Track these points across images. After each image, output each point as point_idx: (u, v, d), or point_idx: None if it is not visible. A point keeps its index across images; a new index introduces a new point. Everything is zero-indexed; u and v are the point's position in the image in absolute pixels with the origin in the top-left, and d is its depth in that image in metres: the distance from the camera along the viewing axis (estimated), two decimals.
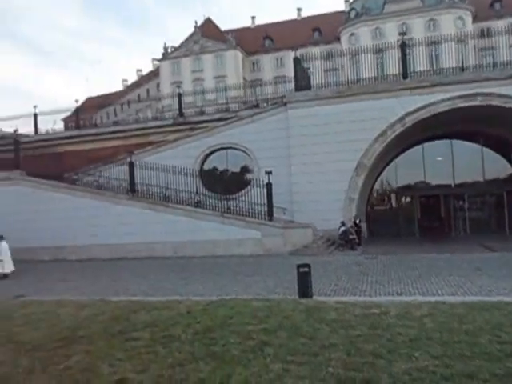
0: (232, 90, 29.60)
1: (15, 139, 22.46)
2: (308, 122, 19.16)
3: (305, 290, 8.25)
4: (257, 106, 23.84)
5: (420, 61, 19.70)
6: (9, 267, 15.41)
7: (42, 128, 26.70)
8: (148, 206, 19.50)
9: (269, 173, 17.30)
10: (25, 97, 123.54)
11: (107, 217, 19.38)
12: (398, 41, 20.17)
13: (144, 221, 19.09)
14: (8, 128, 25.74)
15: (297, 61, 20.68)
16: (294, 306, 7.01)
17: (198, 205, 19.36)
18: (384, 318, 6.08)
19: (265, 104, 23.75)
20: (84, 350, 5.57)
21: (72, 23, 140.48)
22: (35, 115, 26.13)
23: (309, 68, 21.20)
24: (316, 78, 20.59)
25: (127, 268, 16.06)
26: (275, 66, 58.74)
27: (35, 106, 26.23)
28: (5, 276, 15.13)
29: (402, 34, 21.92)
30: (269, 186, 17.52)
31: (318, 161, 18.86)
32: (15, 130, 23.54)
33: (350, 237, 17.84)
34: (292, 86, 21.17)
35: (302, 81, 20.45)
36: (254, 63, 61.66)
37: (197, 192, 19.79)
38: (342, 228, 17.97)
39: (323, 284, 10.20)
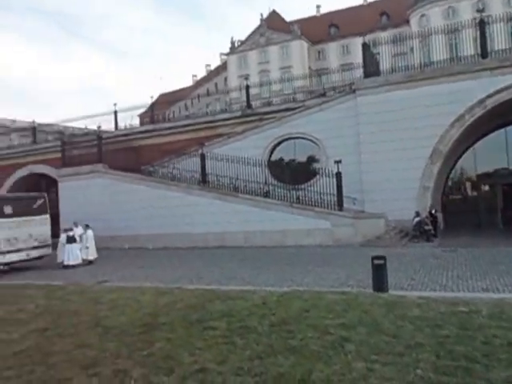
0: (298, 80, 29.08)
1: (98, 135, 23.79)
2: (378, 109, 18.28)
3: (380, 283, 7.84)
4: (324, 94, 23.21)
5: (500, 39, 17.96)
6: (93, 254, 16.40)
7: (121, 124, 28.11)
8: (218, 197, 19.78)
9: (338, 162, 16.77)
10: (106, 96, 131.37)
11: (181, 207, 19.95)
12: (474, 19, 18.52)
13: (215, 211, 19.41)
14: (92, 125, 27.41)
15: (365, 46, 19.75)
16: (372, 300, 6.66)
17: (266, 195, 19.32)
18: (475, 317, 5.57)
19: (332, 92, 23.06)
20: (165, 338, 5.68)
21: (146, 25, 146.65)
22: (115, 112, 27.52)
23: (378, 53, 20.20)
24: (385, 64, 19.57)
25: (199, 257, 16.42)
26: (341, 54, 57.10)
27: (115, 104, 27.64)
28: (90, 262, 16.13)
29: (480, 10, 20.14)
30: (338, 175, 17.00)
31: (389, 148, 17.96)
32: (98, 127, 24.93)
33: (426, 228, 16.82)
34: (359, 72, 20.31)
35: (371, 67, 19.52)
36: (319, 52, 60.40)
37: (265, 182, 19.73)
38: (417, 218, 16.99)
39: (399, 277, 9.67)
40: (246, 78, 34.74)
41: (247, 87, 25.70)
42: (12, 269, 15.19)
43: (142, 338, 5.71)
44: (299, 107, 21.42)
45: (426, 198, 17.99)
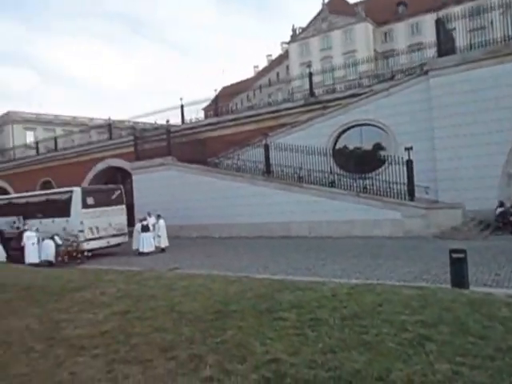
0: (363, 65, 28.05)
1: (167, 129, 24.72)
2: (454, 90, 17.05)
3: (459, 278, 7.34)
4: (392, 78, 22.19)
5: None
6: (165, 242, 17.16)
7: (187, 118, 28.95)
8: (282, 187, 19.76)
9: (409, 149, 15.96)
10: (173, 92, 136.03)
11: (246, 197, 20.20)
12: None
13: (279, 201, 19.42)
14: (160, 120, 28.54)
15: (439, 22, 18.40)
16: (453, 296, 6.26)
17: (332, 184, 18.98)
18: None
19: (400, 75, 21.95)
20: (236, 326, 5.76)
21: (208, 21, 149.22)
22: (181, 107, 28.39)
23: (454, 28, 18.82)
24: (461, 40, 18.21)
25: (264, 247, 16.55)
26: (410, 34, 54.14)
27: (181, 99, 28.55)
28: (162, 250, 16.90)
29: None
30: (409, 163, 16.20)
31: (467, 133, 16.75)
32: (167, 121, 25.90)
33: (511, 219, 15.56)
34: (431, 52, 19.11)
35: (446, 44, 18.18)
36: (385, 33, 57.78)
37: (330, 171, 19.37)
38: (500, 209, 15.75)
39: (480, 273, 9.04)
40: (309, 65, 33.98)
41: (310, 75, 25.25)
42: (94, 255, 16.32)
43: (215, 325, 5.83)
44: (365, 93, 20.69)
45: (509, 186, 16.66)
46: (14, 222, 18.08)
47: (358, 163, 19.54)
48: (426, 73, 18.08)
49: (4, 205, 20.17)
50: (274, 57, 75.18)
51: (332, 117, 20.88)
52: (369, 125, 19.98)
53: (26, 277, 10.75)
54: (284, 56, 67.16)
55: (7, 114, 55.47)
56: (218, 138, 24.65)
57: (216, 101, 29.72)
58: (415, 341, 4.64)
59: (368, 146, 20.65)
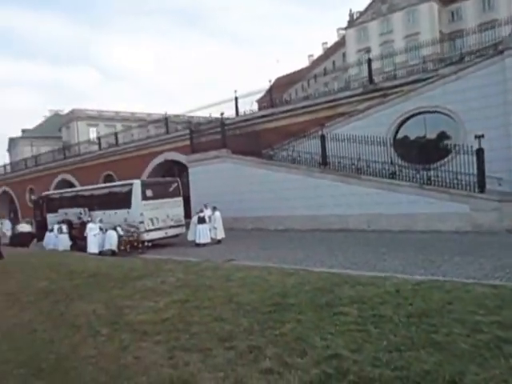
0: (427, 48, 26.59)
1: (221, 121, 25.00)
2: None
3: None
4: (460, 60, 20.83)
5: None
6: (221, 234, 17.43)
7: (242, 110, 29.08)
8: (340, 179, 19.32)
9: (479, 137, 14.87)
10: (227, 84, 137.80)
11: (301, 190, 20.00)
12: None
13: (336, 193, 19.03)
14: (215, 113, 28.90)
15: None
16: None
17: (392, 176, 18.28)
18: None
19: (469, 57, 20.55)
20: (295, 319, 5.71)
21: (262, 11, 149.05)
22: (236, 99, 28.55)
23: None
24: None
25: (321, 239, 16.32)
26: (480, 11, 50.36)
27: (235, 91, 28.70)
28: (218, 242, 17.19)
29: None
30: (480, 152, 15.10)
31: None
32: (221, 114, 26.16)
33: None
34: (506, 30, 17.70)
35: None
36: (452, 13, 54.29)
37: (391, 162, 18.66)
38: None
39: None
40: (368, 50, 32.68)
41: (369, 61, 24.30)
42: (153, 245, 16.97)
43: (273, 317, 5.82)
44: (430, 78, 19.63)
45: None
46: (80, 213, 19.15)
47: (422, 153, 18.66)
48: (501, 52, 16.70)
49: (71, 197, 21.47)
50: (329, 44, 73.57)
51: (393, 104, 20.05)
52: (434, 112, 18.95)
53: (91, 264, 11.37)
54: (340, 43, 65.51)
55: (72, 111, 58.87)
56: (272, 129, 24.56)
57: (270, 92, 29.58)
58: (492, 343, 4.34)
59: (432, 134, 19.60)
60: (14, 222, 33.54)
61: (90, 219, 18.36)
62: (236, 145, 23.38)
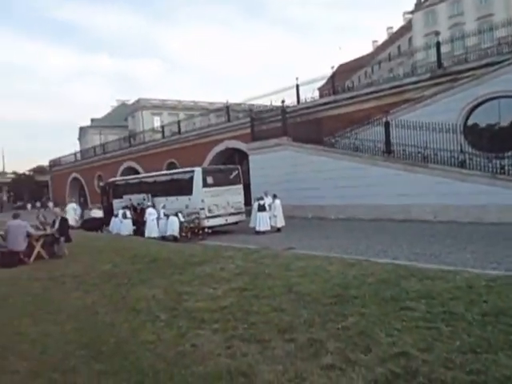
0: (502, 29, 24.45)
1: (282, 109, 24.70)
2: None
3: None
4: None
5: None
6: (280, 222, 17.25)
7: (303, 97, 28.54)
8: (404, 167, 18.41)
9: None
10: (289, 71, 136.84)
11: (364, 178, 19.30)
12: None
13: (400, 182, 18.15)
14: (276, 101, 28.57)
15: None
16: None
17: (462, 165, 17.08)
18: None
19: None
20: (358, 312, 5.37)
21: None
22: (297, 86, 28.07)
23: None
24: None
25: (383, 229, 15.67)
26: None
27: (297, 78, 28.18)
28: (278, 230, 17.02)
29: None
30: None
31: None
32: (282, 101, 25.81)
33: None
34: None
35: None
36: None
37: (461, 150, 17.43)
38: None
39: None
40: (437, 33, 30.34)
41: (438, 44, 22.81)
42: (213, 232, 17.13)
43: (334, 310, 5.52)
44: (505, 60, 18.00)
45: None
46: (144, 199, 19.77)
47: (495, 141, 17.27)
48: None
49: (135, 183, 22.27)
50: (395, 29, 70.17)
51: (463, 89, 18.64)
52: (510, 97, 17.39)
53: (153, 249, 11.57)
54: (406, 27, 62.22)
55: (138, 101, 61.12)
56: (334, 116, 23.91)
57: (333, 79, 28.75)
58: None
59: (507, 120, 18.04)
60: (84, 207, 35.47)
61: (149, 204, 18.84)
62: (297, 132, 23.05)
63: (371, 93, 24.12)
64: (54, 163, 61.64)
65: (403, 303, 5.58)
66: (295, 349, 4.36)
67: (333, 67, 29.31)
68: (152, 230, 17.54)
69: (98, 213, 22.47)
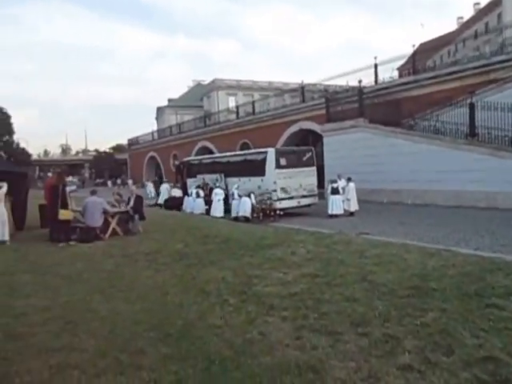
0: None
1: (359, 89, 23.54)
2: None
3: None
4: None
5: None
6: (354, 206, 16.56)
7: (381, 77, 26.93)
8: (489, 152, 16.75)
9: None
10: (366, 51, 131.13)
11: (444, 163, 17.88)
12: None
13: (485, 167, 16.55)
14: (352, 82, 27.32)
15: None
16: None
17: None
18: None
19: None
20: (438, 307, 4.89)
21: None
22: (375, 66, 26.48)
23: None
24: None
25: (464, 217, 14.41)
26: None
27: (375, 57, 26.52)
28: (351, 214, 16.37)
29: None
30: None
31: None
32: (359, 81, 24.57)
33: None
34: None
35: None
36: None
37: None
38: None
39: None
40: None
41: None
42: (285, 214, 16.87)
43: (412, 303, 5.08)
44: None
45: None
46: (217, 180, 19.93)
47: None
48: None
49: (209, 163, 22.48)
50: (482, 5, 63.70)
51: None
52: None
53: (225, 230, 11.58)
54: (495, 3, 55.99)
55: (213, 81, 61.54)
56: (413, 98, 22.34)
57: (413, 58, 26.69)
58: None
59: None
60: (159, 185, 36.63)
61: (217, 185, 18.87)
62: (373, 114, 21.94)
63: (454, 72, 22.14)
64: (132, 142, 63.25)
65: (489, 300, 5.02)
66: (369, 344, 4.03)
67: (414, 45, 27.09)
68: (216, 209, 17.69)
69: (177, 192, 23.03)
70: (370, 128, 21.62)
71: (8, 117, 64.84)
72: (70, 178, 74.41)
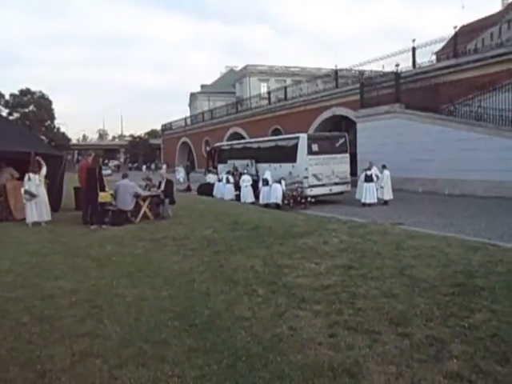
0: None
1: (396, 74, 22.48)
2: None
3: None
4: None
5: None
6: (388, 195, 15.88)
7: (418, 61, 25.58)
8: None
9: None
10: (404, 36, 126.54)
11: (486, 151, 16.81)
12: None
13: None
14: (388, 67, 26.10)
15: None
16: None
17: None
18: None
19: None
20: (487, 308, 4.42)
21: None
22: (413, 49, 25.19)
23: None
24: None
25: (506, 209, 13.46)
26: None
27: (413, 40, 25.19)
28: (385, 202, 15.72)
29: None
30: None
31: None
32: (397, 65, 23.41)
33: None
34: None
35: None
36: None
37: None
38: None
39: None
40: None
41: None
42: (316, 201, 16.38)
43: (457, 302, 4.62)
44: None
45: None
46: (247, 165, 19.56)
47: None
48: None
49: (240, 149, 22.09)
50: None
51: None
52: None
53: (254, 216, 11.28)
54: None
55: (245, 67, 60.93)
56: (454, 82, 21.08)
57: (455, 40, 25.18)
58: None
59: None
60: (189, 170, 36.71)
61: (245, 171, 18.58)
62: (410, 100, 20.89)
63: (500, 55, 20.70)
64: (166, 127, 63.81)
65: None
66: (411, 347, 3.64)
67: (455, 27, 25.51)
68: (246, 195, 17.46)
69: (212, 178, 22.79)
70: (406, 114, 20.64)
71: (50, 103, 66.87)
72: (111, 163, 76.43)
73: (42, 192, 11.30)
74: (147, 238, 8.94)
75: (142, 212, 11.52)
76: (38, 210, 11.12)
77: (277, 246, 7.48)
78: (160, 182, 12.76)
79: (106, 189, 11.42)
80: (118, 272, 6.28)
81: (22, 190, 11.22)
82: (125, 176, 11.89)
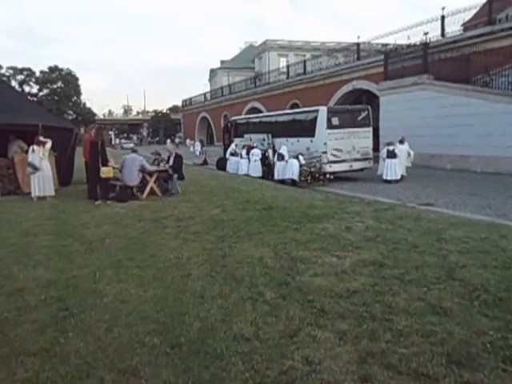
0: None
1: (424, 43, 20.45)
2: None
3: None
4: None
5: None
6: (402, 170, 14.51)
7: (449, 31, 23.26)
8: None
9: None
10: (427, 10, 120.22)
11: None
12: None
13: None
14: (413, 38, 23.88)
15: None
16: None
17: None
18: None
19: None
20: None
21: None
22: (442, 18, 22.91)
23: None
24: None
25: None
26: None
27: (443, 8, 22.85)
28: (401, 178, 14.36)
29: None
30: None
31: None
32: (425, 33, 21.31)
33: None
34: None
35: None
36: None
37: None
38: None
39: None
40: None
41: None
42: (335, 178, 15.00)
43: None
44: None
45: None
46: (264, 140, 18.23)
47: None
48: None
49: (256, 123, 20.68)
50: None
51: None
52: None
53: (268, 195, 10.07)
54: None
55: (265, 42, 58.87)
56: (488, 51, 18.98)
57: (490, 6, 22.78)
58: None
59: None
60: (205, 144, 35.96)
61: (255, 145, 17.51)
62: (440, 70, 18.95)
63: None
64: (186, 103, 63.48)
65: None
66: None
67: None
68: (255, 170, 16.64)
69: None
70: (435, 85, 18.70)
71: (76, 79, 68.05)
72: (135, 137, 77.78)
73: (46, 166, 10.68)
74: (149, 217, 7.90)
75: (148, 188, 10.55)
76: (41, 185, 10.55)
77: (291, 231, 6.18)
78: (169, 157, 11.74)
79: (110, 163, 10.52)
80: (105, 259, 5.26)
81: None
82: (134, 151, 11.00)
